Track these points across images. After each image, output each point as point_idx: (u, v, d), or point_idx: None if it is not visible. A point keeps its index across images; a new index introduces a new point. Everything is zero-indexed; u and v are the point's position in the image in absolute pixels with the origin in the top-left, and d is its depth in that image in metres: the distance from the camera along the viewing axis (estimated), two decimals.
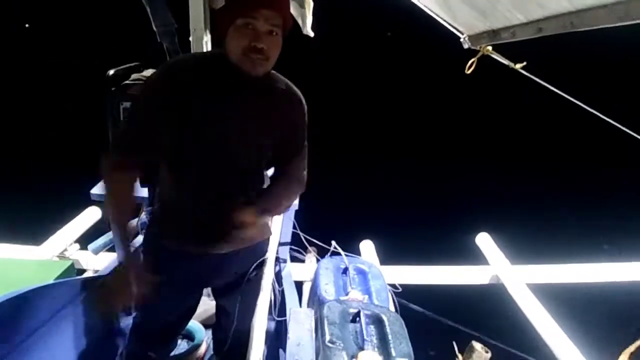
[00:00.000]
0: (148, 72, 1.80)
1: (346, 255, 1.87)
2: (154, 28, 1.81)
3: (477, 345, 1.56)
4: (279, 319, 1.68)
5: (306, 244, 2.26)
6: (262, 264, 1.33)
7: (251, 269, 1.30)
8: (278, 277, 1.89)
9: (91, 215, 2.52)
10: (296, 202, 1.76)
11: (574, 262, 2.56)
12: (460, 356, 1.66)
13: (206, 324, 1.89)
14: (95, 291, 1.06)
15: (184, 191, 1.16)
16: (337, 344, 1.21)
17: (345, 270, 1.78)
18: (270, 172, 1.28)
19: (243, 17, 0.97)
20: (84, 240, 2.42)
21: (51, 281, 1.59)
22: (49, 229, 2.41)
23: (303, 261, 2.44)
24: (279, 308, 1.72)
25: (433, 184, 6.01)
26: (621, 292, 2.67)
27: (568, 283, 2.48)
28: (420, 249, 3.30)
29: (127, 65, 1.81)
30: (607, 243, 4.92)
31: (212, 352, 1.67)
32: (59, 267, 1.75)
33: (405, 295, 1.98)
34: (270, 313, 1.42)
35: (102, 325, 1.73)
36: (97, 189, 1.70)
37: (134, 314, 1.44)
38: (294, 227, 2.04)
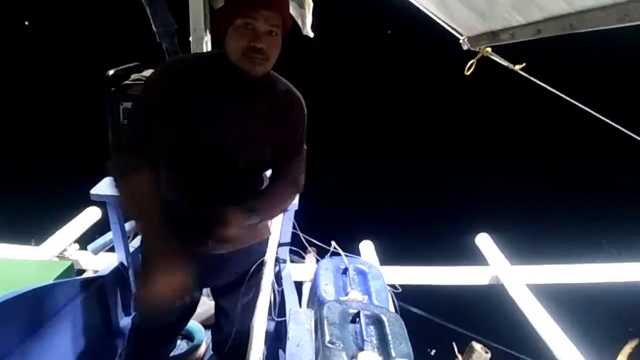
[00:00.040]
0: (148, 73, 1.79)
1: (346, 256, 1.87)
2: (154, 28, 1.81)
3: (476, 346, 1.56)
4: (279, 319, 1.68)
5: (306, 244, 2.26)
6: (262, 264, 1.33)
7: (250, 270, 1.30)
8: (278, 277, 1.89)
9: (91, 215, 2.52)
10: (296, 202, 1.76)
11: (574, 262, 2.56)
12: (460, 356, 1.66)
13: (206, 325, 1.89)
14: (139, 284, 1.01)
15: (183, 191, 1.16)
16: (337, 344, 1.22)
17: (345, 271, 1.78)
18: (268, 173, 1.27)
19: (242, 17, 0.97)
20: (84, 241, 2.42)
21: (51, 281, 1.59)
22: (49, 229, 2.42)
23: (303, 261, 2.44)
24: (278, 308, 1.72)
25: (433, 184, 6.01)
26: (621, 292, 2.67)
27: (568, 283, 2.48)
28: (420, 249, 3.30)
29: (127, 66, 1.81)
30: (607, 243, 4.93)
31: (211, 353, 1.67)
32: (58, 267, 1.75)
33: (405, 295, 1.98)
34: (270, 313, 1.42)
35: (101, 325, 1.74)
36: (97, 189, 1.69)
37: (133, 315, 1.44)
38: (294, 228, 2.04)
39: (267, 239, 1.38)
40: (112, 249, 2.03)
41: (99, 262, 2.25)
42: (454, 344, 1.70)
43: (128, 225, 1.96)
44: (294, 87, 1.17)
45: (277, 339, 1.76)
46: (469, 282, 2.45)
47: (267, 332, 1.21)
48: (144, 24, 1.81)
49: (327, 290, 1.64)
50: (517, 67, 1.50)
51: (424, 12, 1.70)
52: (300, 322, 1.36)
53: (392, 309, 1.77)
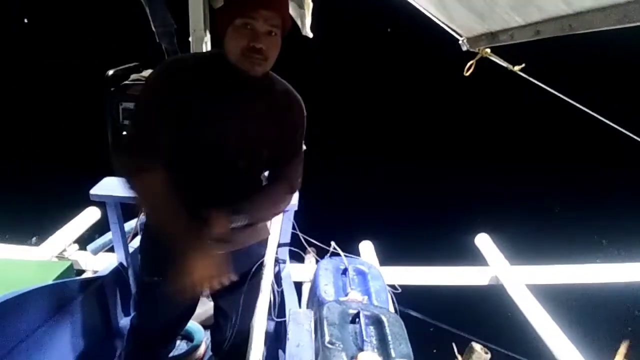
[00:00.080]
0: (147, 73, 1.79)
1: (345, 256, 1.87)
2: (153, 29, 1.81)
3: (476, 346, 1.56)
4: (279, 319, 1.68)
5: (305, 244, 2.26)
6: (261, 264, 1.33)
7: (250, 270, 1.30)
8: (277, 277, 1.89)
9: (90, 215, 2.52)
10: (296, 202, 1.76)
11: (573, 262, 2.57)
12: (459, 357, 1.66)
13: (205, 325, 1.89)
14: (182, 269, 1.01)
15: (182, 191, 1.16)
16: (337, 344, 1.22)
17: (344, 271, 1.78)
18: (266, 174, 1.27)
19: (242, 17, 0.97)
20: (84, 241, 2.42)
21: (50, 282, 1.59)
22: (49, 229, 2.42)
23: (302, 262, 2.44)
24: (278, 309, 1.72)
25: (433, 184, 6.01)
26: (620, 292, 2.67)
27: (567, 283, 2.49)
28: (419, 249, 3.30)
29: (127, 66, 1.81)
30: (607, 243, 4.93)
31: (211, 353, 1.67)
32: (58, 267, 1.76)
33: (405, 296, 1.98)
34: (269, 314, 1.42)
35: (101, 326, 1.74)
36: (97, 190, 1.69)
37: (132, 315, 1.44)
38: (294, 228, 2.04)
39: (266, 239, 1.38)
40: (111, 249, 2.03)
41: (99, 263, 2.25)
42: (453, 344, 1.70)
43: (127, 226, 1.96)
44: (293, 89, 1.17)
45: (276, 339, 1.76)
46: (468, 283, 2.45)
47: (266, 333, 1.21)
48: (144, 24, 1.81)
49: (327, 291, 1.64)
50: (517, 68, 1.51)
51: (423, 13, 1.70)
52: (300, 322, 1.36)
53: (391, 309, 1.77)
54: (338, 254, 1.90)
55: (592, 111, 1.59)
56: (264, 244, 1.36)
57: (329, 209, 4.64)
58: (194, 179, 1.14)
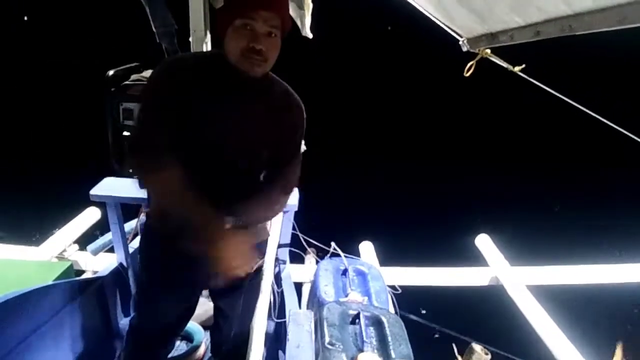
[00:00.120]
0: (147, 73, 1.79)
1: (345, 257, 1.88)
2: (154, 29, 1.81)
3: (476, 347, 1.56)
4: (279, 320, 1.68)
5: (305, 245, 2.26)
6: (261, 265, 1.33)
7: (249, 271, 1.30)
8: (277, 278, 1.89)
9: (90, 216, 2.52)
10: (296, 203, 1.76)
11: (574, 263, 2.56)
12: (459, 358, 1.66)
13: (205, 326, 1.89)
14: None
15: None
16: (337, 345, 1.22)
17: (344, 272, 1.78)
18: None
19: (242, 18, 0.97)
20: (83, 241, 2.42)
21: (50, 282, 1.59)
22: (49, 229, 2.42)
23: (302, 262, 2.44)
24: (278, 309, 1.72)
25: (433, 184, 6.01)
26: (620, 292, 2.67)
27: (567, 284, 2.49)
28: (419, 250, 3.30)
29: (127, 66, 1.80)
30: (607, 243, 4.93)
31: (210, 354, 1.67)
32: (58, 268, 1.76)
33: (405, 296, 1.98)
34: (269, 315, 1.42)
35: (100, 326, 1.74)
36: (97, 190, 1.69)
37: (131, 315, 1.44)
38: (294, 228, 2.04)
39: (266, 240, 1.37)
40: (111, 250, 2.03)
41: (99, 263, 2.25)
42: (453, 345, 1.70)
43: (127, 226, 1.96)
44: (293, 90, 1.17)
45: (276, 340, 1.76)
46: (468, 283, 2.45)
47: (266, 334, 1.21)
48: (144, 24, 1.81)
49: (327, 292, 1.64)
50: (517, 69, 1.50)
51: (423, 14, 1.70)
52: (300, 323, 1.36)
53: (392, 310, 1.77)
54: (338, 255, 1.90)
55: (592, 111, 1.58)
56: (263, 244, 1.36)
57: (329, 209, 4.64)
58: (194, 179, 1.14)
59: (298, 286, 2.10)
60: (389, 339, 1.27)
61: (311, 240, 2.25)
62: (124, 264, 1.87)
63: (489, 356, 1.56)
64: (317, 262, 2.02)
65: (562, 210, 5.78)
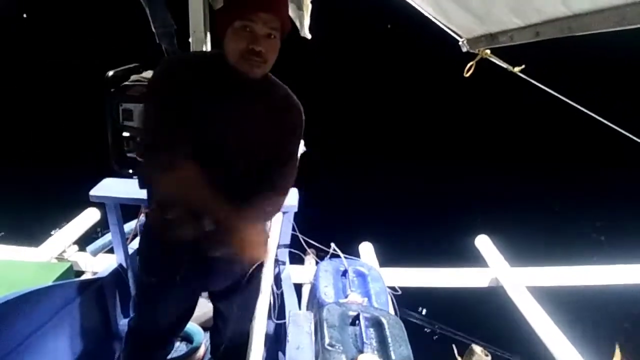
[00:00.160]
0: (147, 73, 1.79)
1: (345, 258, 1.87)
2: (153, 29, 1.81)
3: (477, 349, 1.56)
4: (278, 321, 1.68)
5: (305, 246, 2.26)
6: (261, 266, 1.33)
7: (249, 272, 1.30)
8: (277, 279, 1.88)
9: (90, 216, 2.52)
10: (295, 203, 1.76)
11: (574, 264, 2.56)
12: (460, 359, 1.66)
13: (205, 327, 1.89)
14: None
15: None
16: (337, 347, 1.22)
17: (344, 273, 1.78)
18: None
19: (241, 20, 0.97)
20: (83, 242, 2.42)
21: (50, 283, 1.59)
22: (49, 229, 2.42)
23: (302, 263, 2.44)
24: (278, 310, 1.72)
25: (432, 185, 6.01)
26: (620, 293, 2.67)
27: (567, 285, 2.48)
28: (419, 251, 3.30)
29: (127, 67, 1.80)
30: (607, 244, 4.93)
31: (210, 355, 1.67)
32: (57, 268, 1.76)
33: (405, 297, 1.98)
34: (269, 316, 1.42)
35: (100, 327, 1.74)
36: (97, 191, 1.69)
37: (131, 316, 1.44)
38: (293, 229, 2.04)
39: (266, 240, 1.37)
40: (111, 251, 2.03)
41: (98, 264, 2.25)
42: (454, 346, 1.70)
43: (127, 227, 1.96)
44: (292, 92, 1.17)
45: (276, 341, 1.76)
46: (468, 284, 2.45)
47: (266, 335, 1.21)
48: (144, 25, 1.81)
49: (327, 293, 1.64)
50: (517, 69, 1.50)
51: (423, 14, 1.69)
52: (299, 324, 1.36)
53: (391, 311, 1.77)
54: (338, 256, 1.90)
55: (592, 111, 1.58)
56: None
57: (329, 209, 4.64)
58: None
59: (298, 287, 2.10)
60: (389, 340, 1.27)
61: (311, 241, 2.24)
62: (124, 264, 1.87)
63: (489, 357, 1.56)
64: (317, 263, 2.02)
65: (562, 210, 5.78)
